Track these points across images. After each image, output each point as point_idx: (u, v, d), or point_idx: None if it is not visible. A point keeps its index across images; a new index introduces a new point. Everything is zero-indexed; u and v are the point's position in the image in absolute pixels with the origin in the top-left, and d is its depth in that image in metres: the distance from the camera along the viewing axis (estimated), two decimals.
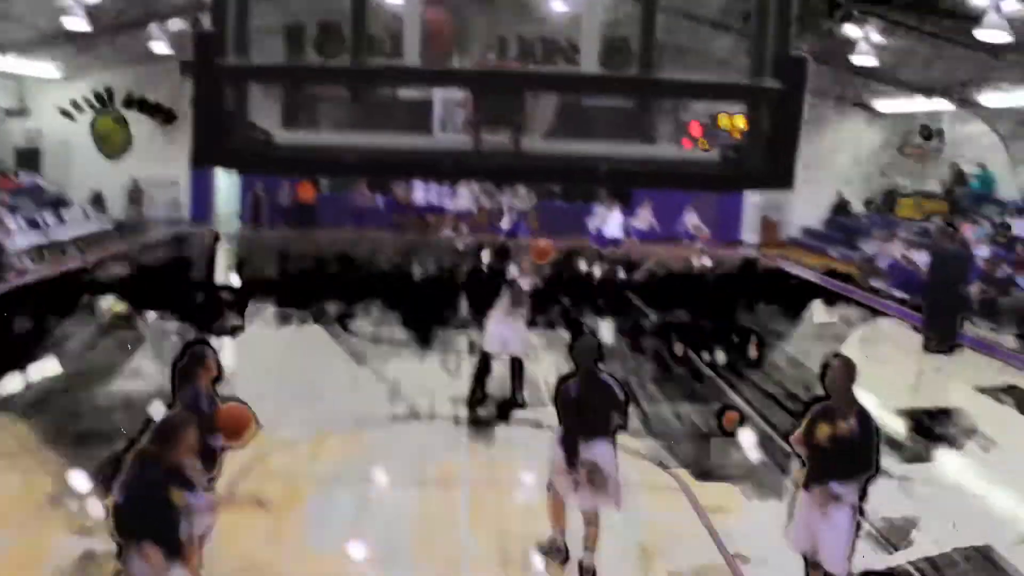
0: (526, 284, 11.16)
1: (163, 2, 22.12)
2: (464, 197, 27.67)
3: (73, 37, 20.97)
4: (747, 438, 10.94)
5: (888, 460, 10.21)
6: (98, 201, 26.83)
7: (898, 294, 20.70)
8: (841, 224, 28.62)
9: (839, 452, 6.25)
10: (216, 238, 26.53)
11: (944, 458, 10.94)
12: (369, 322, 16.24)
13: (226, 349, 14.45)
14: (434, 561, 7.65)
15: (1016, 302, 17.84)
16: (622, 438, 10.13)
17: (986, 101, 23.55)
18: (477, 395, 11.34)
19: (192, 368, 6.57)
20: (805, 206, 28.84)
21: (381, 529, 8.19)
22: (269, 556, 7.35)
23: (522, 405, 11.29)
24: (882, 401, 13.11)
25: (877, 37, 19.90)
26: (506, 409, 11.26)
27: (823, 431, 6.30)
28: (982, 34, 15.75)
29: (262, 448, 8.25)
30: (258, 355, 14.06)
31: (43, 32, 21.13)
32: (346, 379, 12.66)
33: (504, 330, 11.18)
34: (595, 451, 7.20)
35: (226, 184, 29.71)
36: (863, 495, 6.35)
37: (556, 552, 7.59)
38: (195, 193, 28.49)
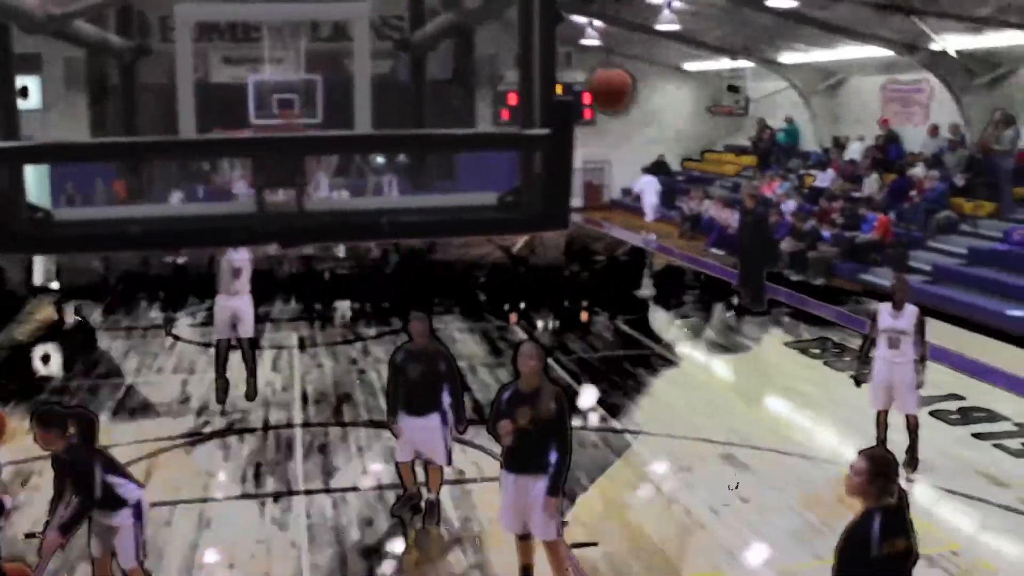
0: (241, 255, 11.17)
1: None
2: None
3: None
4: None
5: (707, 426, 10.79)
6: None
7: (716, 251, 21.59)
8: (660, 184, 29.47)
9: (539, 433, 6.64)
10: None
11: (760, 420, 11.44)
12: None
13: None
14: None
15: (822, 254, 18.86)
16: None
17: (785, 60, 24.67)
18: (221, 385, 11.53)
19: None
20: (626, 168, 29.63)
21: (221, 542, 8.19)
22: None
23: (252, 398, 11.50)
24: (702, 365, 13.78)
25: (679, 3, 20.53)
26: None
27: (524, 414, 6.63)
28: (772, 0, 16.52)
29: None
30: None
31: None
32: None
33: (228, 310, 11.29)
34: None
35: (36, 180, 28.35)
36: (565, 475, 6.78)
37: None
38: None
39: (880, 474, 4.87)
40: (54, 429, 6.29)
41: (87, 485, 6.26)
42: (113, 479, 6.46)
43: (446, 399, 8.14)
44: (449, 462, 8.39)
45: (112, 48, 3.37)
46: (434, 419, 8.11)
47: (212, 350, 12.23)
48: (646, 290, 19.68)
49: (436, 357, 8.19)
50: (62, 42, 3.67)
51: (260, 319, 11.47)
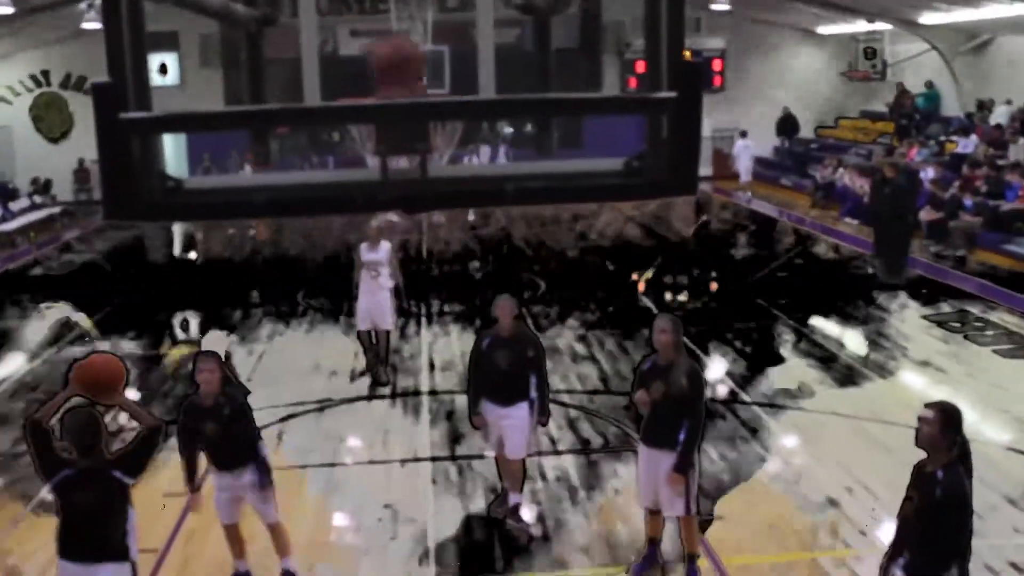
0: (377, 254, 11.22)
1: None
2: None
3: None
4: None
5: (839, 400, 10.49)
6: (45, 187, 26.46)
7: (850, 221, 20.95)
8: (791, 152, 28.80)
9: (671, 407, 6.53)
10: None
11: (894, 395, 11.00)
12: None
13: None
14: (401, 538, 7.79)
15: (963, 224, 18.10)
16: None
17: (925, 20, 23.69)
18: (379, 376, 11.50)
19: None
20: (757, 136, 28.97)
21: (349, 506, 8.36)
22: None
23: (384, 383, 11.39)
24: (835, 337, 13.39)
25: None
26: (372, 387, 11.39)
27: (657, 388, 6.51)
28: None
29: None
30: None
31: None
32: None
33: (369, 305, 11.29)
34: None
35: (174, 152, 29.20)
36: (699, 446, 6.75)
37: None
38: None
39: (950, 425, 4.91)
40: (220, 369, 6.60)
41: (247, 419, 6.69)
42: None
43: (533, 387, 7.65)
44: (525, 455, 7.90)
45: (237, 17, 3.40)
46: (522, 408, 7.62)
47: (342, 318, 12.44)
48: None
49: (524, 343, 7.67)
50: (197, 19, 3.72)
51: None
